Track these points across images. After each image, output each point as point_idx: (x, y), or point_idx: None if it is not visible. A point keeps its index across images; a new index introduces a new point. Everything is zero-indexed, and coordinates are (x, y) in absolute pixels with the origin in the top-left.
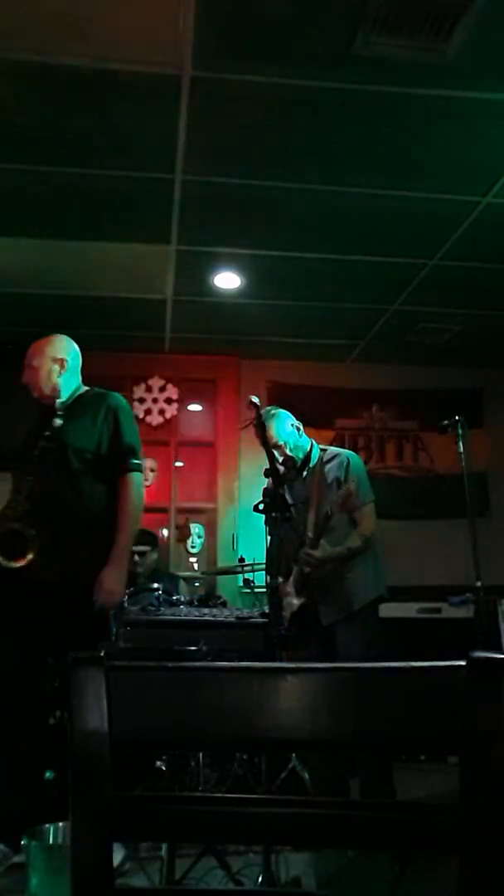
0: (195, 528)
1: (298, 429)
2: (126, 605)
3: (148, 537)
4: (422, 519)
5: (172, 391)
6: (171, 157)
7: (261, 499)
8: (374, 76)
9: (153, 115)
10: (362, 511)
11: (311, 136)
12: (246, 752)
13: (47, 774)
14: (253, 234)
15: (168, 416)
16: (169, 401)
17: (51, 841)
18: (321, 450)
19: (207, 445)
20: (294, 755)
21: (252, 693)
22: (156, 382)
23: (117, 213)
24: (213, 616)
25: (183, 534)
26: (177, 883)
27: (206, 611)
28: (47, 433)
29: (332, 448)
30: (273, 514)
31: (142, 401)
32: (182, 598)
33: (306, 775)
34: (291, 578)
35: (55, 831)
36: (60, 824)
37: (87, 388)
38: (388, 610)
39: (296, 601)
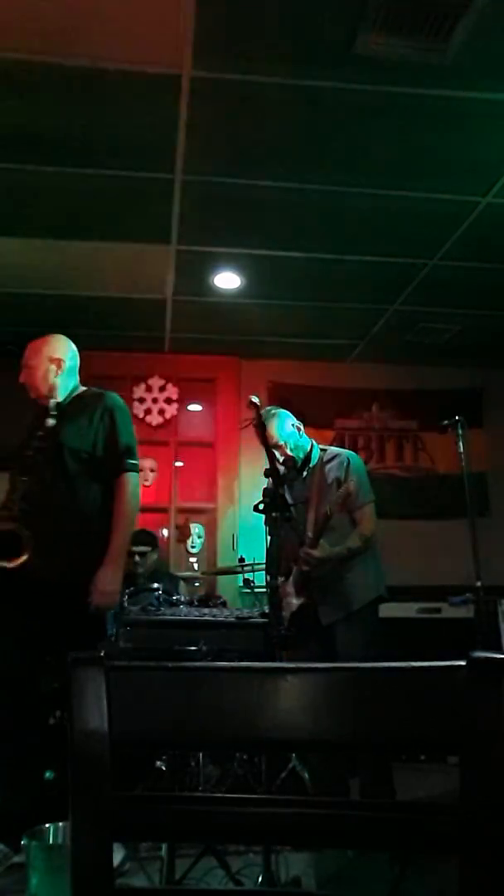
0: (195, 529)
1: (299, 429)
2: (126, 604)
3: (148, 537)
4: (422, 519)
5: (172, 391)
6: (171, 157)
7: (261, 499)
8: (374, 76)
9: (153, 115)
10: (362, 511)
11: (311, 136)
12: (246, 752)
13: (47, 774)
14: (253, 234)
15: (168, 416)
16: (169, 401)
17: (51, 841)
18: (321, 450)
19: (207, 445)
20: (294, 755)
21: (252, 693)
22: (156, 382)
23: (117, 213)
24: (213, 616)
25: (183, 534)
26: (177, 883)
27: (206, 611)
28: (40, 433)
29: (332, 448)
30: (273, 514)
31: (142, 401)
32: (182, 598)
33: (306, 775)
34: (291, 578)
35: (55, 831)
36: (60, 824)
37: (84, 388)
38: (388, 610)
39: (295, 601)
